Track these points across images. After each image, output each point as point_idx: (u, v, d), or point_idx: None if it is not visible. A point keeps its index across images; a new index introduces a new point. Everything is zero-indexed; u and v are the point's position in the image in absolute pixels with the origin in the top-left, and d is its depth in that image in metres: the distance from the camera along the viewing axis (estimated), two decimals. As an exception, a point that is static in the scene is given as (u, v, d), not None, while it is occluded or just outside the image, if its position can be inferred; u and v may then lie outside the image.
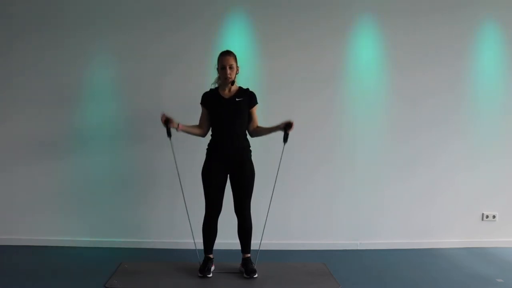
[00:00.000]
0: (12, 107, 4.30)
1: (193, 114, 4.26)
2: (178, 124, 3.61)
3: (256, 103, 3.72)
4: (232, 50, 3.72)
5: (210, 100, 3.67)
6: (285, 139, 3.66)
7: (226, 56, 3.63)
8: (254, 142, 3.77)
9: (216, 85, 3.75)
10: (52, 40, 4.26)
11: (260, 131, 3.75)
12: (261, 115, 4.19)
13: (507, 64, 4.54)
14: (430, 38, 4.44)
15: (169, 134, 3.61)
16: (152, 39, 4.30)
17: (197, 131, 3.72)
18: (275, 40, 4.35)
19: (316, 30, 4.37)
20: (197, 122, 4.02)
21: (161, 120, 3.58)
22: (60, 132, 4.31)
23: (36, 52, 4.27)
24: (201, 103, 3.72)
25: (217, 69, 3.68)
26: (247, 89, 3.73)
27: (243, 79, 3.81)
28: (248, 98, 3.68)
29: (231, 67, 3.61)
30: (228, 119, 3.61)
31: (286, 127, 3.63)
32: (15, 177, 4.33)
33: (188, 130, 3.69)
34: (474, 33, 4.50)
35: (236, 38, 3.65)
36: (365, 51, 4.44)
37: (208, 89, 3.77)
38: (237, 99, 3.64)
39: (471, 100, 4.54)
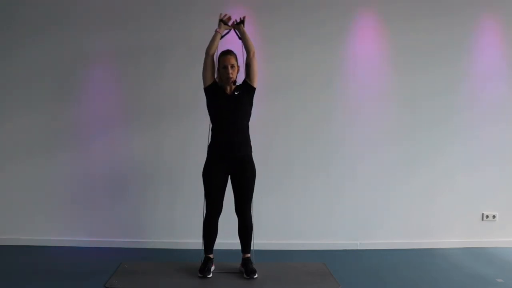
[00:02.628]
0: (11, 107, 4.30)
1: (191, 113, 4.29)
2: (220, 31, 3.64)
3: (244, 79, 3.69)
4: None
5: (215, 89, 3.64)
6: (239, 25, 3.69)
7: (227, 56, 3.62)
8: (255, 142, 3.76)
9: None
10: (51, 40, 4.26)
11: (244, 44, 3.66)
12: (262, 117, 4.20)
13: (506, 66, 4.54)
14: (430, 39, 4.44)
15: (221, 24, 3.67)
16: (152, 40, 4.29)
17: (214, 48, 3.63)
18: (275, 42, 4.35)
19: (316, 33, 4.37)
20: (196, 122, 4.09)
21: (225, 17, 3.67)
22: (59, 131, 4.32)
23: (35, 53, 4.27)
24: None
25: (218, 69, 3.67)
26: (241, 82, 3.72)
27: (241, 78, 3.79)
28: (242, 87, 3.65)
29: (232, 67, 3.60)
30: (228, 112, 3.59)
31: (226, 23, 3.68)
32: (15, 177, 4.33)
33: (216, 40, 3.63)
34: (474, 35, 4.50)
35: (237, 41, 3.66)
36: (365, 53, 4.44)
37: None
38: (235, 93, 3.64)
39: (471, 101, 4.54)
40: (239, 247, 3.78)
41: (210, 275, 3.68)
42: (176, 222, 4.38)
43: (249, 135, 3.70)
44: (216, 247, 3.78)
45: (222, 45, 3.68)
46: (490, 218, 4.61)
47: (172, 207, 4.38)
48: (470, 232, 4.60)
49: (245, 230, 3.73)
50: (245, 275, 3.68)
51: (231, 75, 3.60)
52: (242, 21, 3.68)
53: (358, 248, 4.48)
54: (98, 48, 4.30)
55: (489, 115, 4.55)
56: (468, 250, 4.50)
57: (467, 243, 4.58)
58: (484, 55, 4.52)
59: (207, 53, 3.61)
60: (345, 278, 3.72)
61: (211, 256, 3.76)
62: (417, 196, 4.52)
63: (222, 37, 3.68)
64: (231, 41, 3.75)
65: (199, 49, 3.74)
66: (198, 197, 3.80)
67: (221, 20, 3.67)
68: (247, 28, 3.70)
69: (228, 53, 3.64)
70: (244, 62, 3.68)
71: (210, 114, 3.69)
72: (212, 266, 3.74)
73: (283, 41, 4.36)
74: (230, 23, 3.71)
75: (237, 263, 3.82)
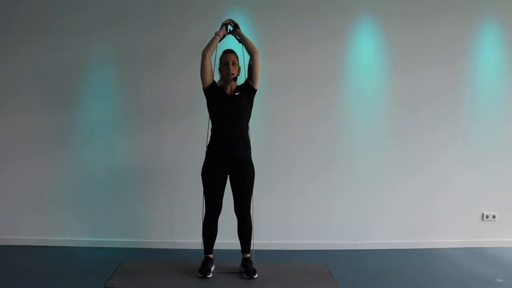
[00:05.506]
0: (10, 108, 4.30)
1: (190, 113, 4.29)
2: (220, 34, 3.64)
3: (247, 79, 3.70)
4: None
5: (215, 89, 3.64)
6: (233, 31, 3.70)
7: (229, 53, 3.64)
8: (254, 142, 3.76)
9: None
10: (50, 41, 4.26)
11: (245, 46, 3.65)
12: (262, 117, 4.21)
13: (507, 65, 4.53)
14: (430, 39, 4.44)
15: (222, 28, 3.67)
16: (152, 40, 4.30)
17: (212, 50, 3.61)
18: (274, 41, 4.35)
19: (316, 32, 4.37)
20: (195, 122, 4.12)
21: (229, 21, 3.67)
22: (59, 132, 4.32)
23: (34, 54, 4.27)
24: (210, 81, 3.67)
25: (219, 68, 3.68)
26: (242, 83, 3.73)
27: (242, 80, 3.79)
28: (243, 88, 3.66)
29: (233, 64, 3.62)
30: (228, 113, 3.60)
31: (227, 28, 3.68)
32: (15, 178, 4.33)
33: (215, 42, 3.62)
34: (474, 35, 4.50)
35: (237, 42, 3.68)
36: (365, 52, 4.44)
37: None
38: (236, 94, 3.64)
39: (471, 101, 4.54)
40: (239, 247, 3.78)
41: (210, 275, 3.68)
42: (176, 222, 4.39)
43: (248, 135, 3.70)
44: (216, 247, 3.78)
45: (224, 46, 3.68)
46: (490, 218, 4.61)
47: (172, 207, 4.39)
48: (470, 232, 4.60)
49: (245, 230, 3.73)
50: (245, 275, 3.68)
51: (232, 71, 3.61)
52: (236, 26, 3.68)
53: (358, 248, 4.48)
54: (98, 50, 4.29)
55: (489, 115, 4.54)
56: (468, 250, 4.50)
57: (467, 243, 4.58)
58: (485, 55, 4.51)
59: (204, 54, 3.59)
60: (345, 278, 3.72)
61: (211, 256, 3.76)
62: (417, 196, 4.52)
63: (220, 40, 3.67)
64: (232, 42, 3.75)
65: (196, 50, 3.73)
66: (197, 197, 3.80)
67: (224, 25, 3.67)
68: (246, 28, 3.69)
69: (229, 51, 3.67)
70: (247, 64, 3.67)
71: (210, 114, 3.69)
72: (212, 266, 3.74)
73: (283, 40, 4.36)
74: (225, 29, 3.68)
75: (237, 263, 3.82)
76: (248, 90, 3.66)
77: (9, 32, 4.26)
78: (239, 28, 3.67)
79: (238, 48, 3.71)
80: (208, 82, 3.63)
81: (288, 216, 4.43)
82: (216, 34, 3.63)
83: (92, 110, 4.33)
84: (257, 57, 3.61)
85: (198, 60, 3.63)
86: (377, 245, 4.48)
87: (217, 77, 3.73)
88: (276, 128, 4.40)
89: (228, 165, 3.64)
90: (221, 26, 3.67)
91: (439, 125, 4.51)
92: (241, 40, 3.67)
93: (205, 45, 3.61)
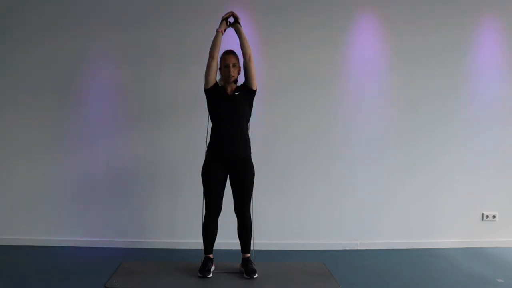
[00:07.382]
0: (11, 108, 4.30)
1: (191, 113, 4.29)
2: (221, 30, 3.62)
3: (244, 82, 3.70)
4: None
5: (216, 89, 3.64)
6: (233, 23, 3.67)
7: (229, 55, 3.64)
8: (255, 142, 3.76)
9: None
10: (50, 41, 4.26)
11: (241, 43, 3.63)
12: (263, 117, 4.20)
13: (507, 66, 4.53)
14: (430, 40, 4.44)
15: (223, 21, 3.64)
16: (153, 40, 4.30)
17: (218, 49, 3.60)
18: (275, 43, 4.35)
19: (316, 34, 4.37)
20: (195, 123, 4.10)
21: (229, 14, 3.62)
22: (59, 131, 4.32)
23: (36, 55, 4.27)
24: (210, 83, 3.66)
25: (219, 69, 3.68)
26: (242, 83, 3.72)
27: (243, 80, 3.80)
28: (242, 88, 3.66)
29: (234, 65, 3.62)
30: (228, 113, 3.60)
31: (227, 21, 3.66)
32: (15, 177, 4.33)
33: (218, 40, 3.60)
34: (475, 35, 4.50)
35: (236, 41, 3.67)
36: (365, 54, 4.43)
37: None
38: (236, 93, 3.64)
39: (471, 101, 4.54)
40: (239, 247, 3.78)
41: (210, 275, 3.68)
42: (176, 222, 4.39)
43: (248, 135, 3.70)
44: (216, 247, 3.78)
45: (224, 46, 3.68)
46: (490, 218, 4.61)
47: (172, 207, 4.38)
48: (470, 232, 4.60)
49: (245, 230, 3.73)
50: (245, 275, 3.68)
51: (232, 74, 3.61)
52: (236, 20, 3.64)
53: (358, 248, 4.48)
54: (99, 50, 4.29)
55: (489, 116, 4.54)
56: (468, 250, 4.50)
57: (467, 243, 4.58)
58: (484, 56, 4.51)
59: (211, 55, 3.59)
60: (345, 278, 3.72)
61: (211, 256, 3.76)
62: (417, 196, 4.52)
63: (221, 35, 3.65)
64: (232, 42, 3.75)
65: (197, 51, 3.74)
66: (198, 197, 3.80)
67: (224, 19, 3.64)
68: (247, 29, 3.68)
69: (230, 52, 3.67)
70: (242, 66, 3.67)
71: (210, 114, 3.69)
72: (212, 266, 3.74)
73: (284, 42, 4.36)
74: (225, 24, 3.66)
75: (237, 263, 3.82)
76: (247, 91, 3.66)
77: (10, 32, 4.26)
78: (239, 22, 3.63)
79: (238, 48, 3.70)
80: (212, 82, 3.63)
81: (288, 216, 4.43)
82: (218, 31, 3.62)
83: (92, 110, 4.32)
84: (251, 57, 3.61)
85: (199, 61, 3.64)
86: (377, 245, 4.48)
87: (217, 76, 3.73)
88: (276, 128, 4.40)
89: (228, 165, 3.64)
90: (221, 21, 3.64)
91: (439, 126, 4.51)
92: (239, 35, 3.63)
93: (208, 45, 3.59)
